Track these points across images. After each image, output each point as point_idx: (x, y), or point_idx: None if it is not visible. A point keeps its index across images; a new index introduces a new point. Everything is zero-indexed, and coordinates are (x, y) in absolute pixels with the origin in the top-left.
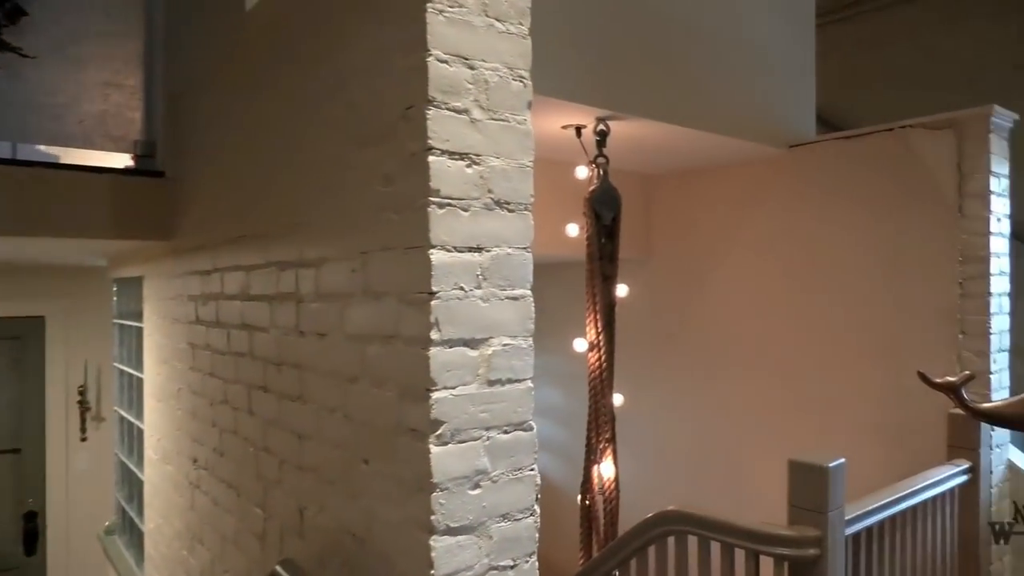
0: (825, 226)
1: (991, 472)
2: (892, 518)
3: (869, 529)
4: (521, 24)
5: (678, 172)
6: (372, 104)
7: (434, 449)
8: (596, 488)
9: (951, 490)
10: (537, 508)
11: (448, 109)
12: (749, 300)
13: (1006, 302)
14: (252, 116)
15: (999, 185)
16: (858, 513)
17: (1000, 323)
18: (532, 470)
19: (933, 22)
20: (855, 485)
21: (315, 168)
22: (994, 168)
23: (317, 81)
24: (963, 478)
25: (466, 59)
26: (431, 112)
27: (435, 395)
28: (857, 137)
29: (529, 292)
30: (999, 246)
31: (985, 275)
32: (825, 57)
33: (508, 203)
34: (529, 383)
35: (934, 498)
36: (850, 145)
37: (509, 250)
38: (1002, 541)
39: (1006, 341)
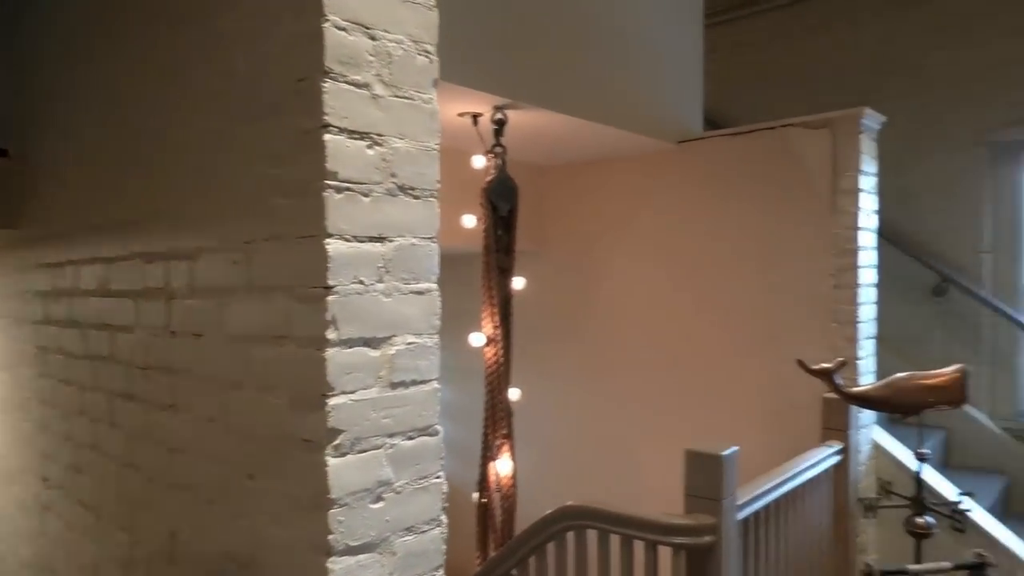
0: (711, 220)
1: (859, 451)
2: (776, 500)
3: (757, 513)
4: None
5: (572, 164)
6: (256, 74)
7: (331, 461)
8: (493, 486)
9: (826, 470)
10: (444, 518)
11: (347, 83)
12: (640, 292)
13: (873, 293)
14: (114, 86)
15: (868, 183)
16: (748, 498)
17: (867, 312)
18: (438, 477)
19: (803, 27)
20: (742, 470)
21: (189, 146)
22: (864, 167)
23: (190, 45)
24: (836, 458)
25: (367, 28)
26: (327, 85)
27: (332, 401)
28: (741, 134)
29: (435, 286)
30: (867, 240)
31: (855, 267)
32: (706, 58)
33: (413, 189)
34: (435, 384)
35: (812, 478)
36: (735, 142)
37: (414, 240)
38: (870, 515)
39: (873, 329)
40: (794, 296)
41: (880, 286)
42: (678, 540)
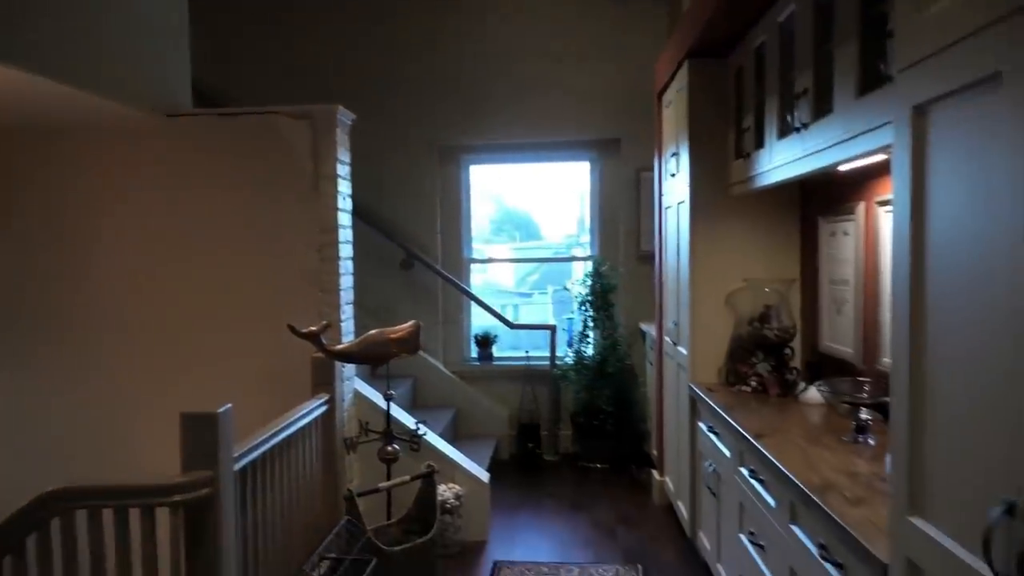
0: (204, 195)
1: (343, 400)
2: (272, 449)
3: (254, 463)
4: None
5: (48, 130)
6: None
7: None
8: None
9: (315, 419)
10: None
11: None
12: (134, 268)
13: (350, 265)
14: None
15: (344, 170)
16: (243, 450)
17: (347, 282)
18: None
19: (293, 24)
20: (245, 428)
21: None
22: (340, 156)
23: None
24: (324, 408)
25: None
26: None
27: None
28: (232, 115)
29: None
30: (345, 219)
31: (336, 243)
32: (205, 36)
33: None
34: None
35: (303, 427)
36: (226, 122)
37: None
38: (351, 451)
39: (351, 296)
40: (286, 268)
41: (360, 260)
42: (176, 498)
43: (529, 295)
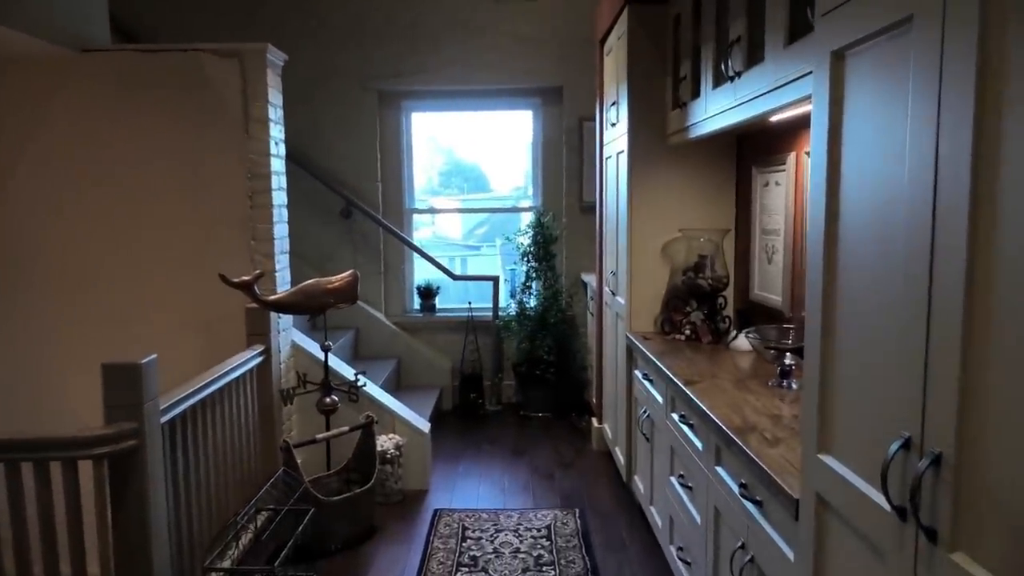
0: (128, 137)
1: (280, 351)
2: (203, 401)
3: (183, 415)
4: None
5: None
6: None
7: None
8: None
9: (251, 370)
10: None
11: None
12: (51, 211)
13: (284, 212)
14: None
15: (275, 113)
16: (172, 401)
17: (281, 230)
18: None
19: None
20: (176, 379)
21: None
22: (271, 99)
23: None
24: (259, 359)
25: None
26: None
27: None
28: (153, 52)
29: None
30: (278, 165)
31: (269, 190)
32: None
33: None
34: None
35: (237, 378)
36: (147, 59)
37: None
38: (288, 403)
39: (286, 245)
40: (217, 215)
41: (298, 208)
42: (99, 451)
43: (477, 248)
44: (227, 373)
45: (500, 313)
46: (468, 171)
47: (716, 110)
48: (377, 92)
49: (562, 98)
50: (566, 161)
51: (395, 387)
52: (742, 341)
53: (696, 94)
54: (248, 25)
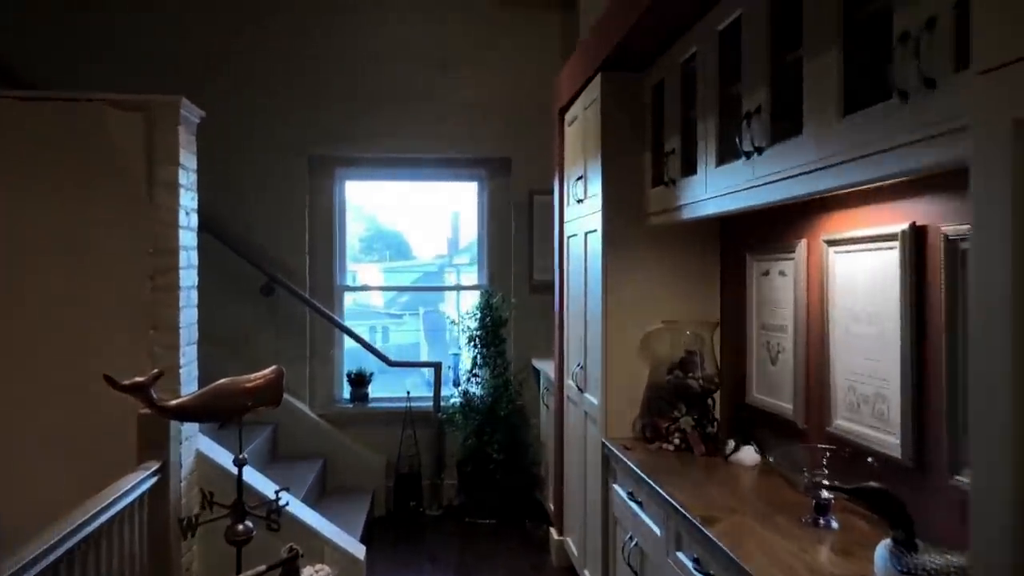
0: (5, 199)
1: (181, 466)
2: (70, 550)
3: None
4: None
5: None
6: None
7: None
8: None
9: (141, 496)
10: None
11: None
12: None
13: (194, 295)
14: None
15: (187, 178)
16: (22, 564)
17: (189, 316)
18: None
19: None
20: (43, 502)
21: None
22: (183, 161)
23: None
24: (153, 480)
25: None
26: None
27: None
28: (40, 101)
29: None
30: (188, 239)
31: (176, 268)
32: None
33: None
34: None
35: (123, 509)
36: (31, 109)
37: None
38: (190, 534)
39: (195, 333)
40: (108, 298)
41: (211, 285)
42: None
43: (400, 316)
44: (108, 507)
45: (443, 403)
46: (390, 237)
47: (724, 190)
48: (308, 157)
49: (510, 170)
50: (515, 237)
51: (320, 493)
52: (746, 455)
53: (690, 171)
54: (163, 76)
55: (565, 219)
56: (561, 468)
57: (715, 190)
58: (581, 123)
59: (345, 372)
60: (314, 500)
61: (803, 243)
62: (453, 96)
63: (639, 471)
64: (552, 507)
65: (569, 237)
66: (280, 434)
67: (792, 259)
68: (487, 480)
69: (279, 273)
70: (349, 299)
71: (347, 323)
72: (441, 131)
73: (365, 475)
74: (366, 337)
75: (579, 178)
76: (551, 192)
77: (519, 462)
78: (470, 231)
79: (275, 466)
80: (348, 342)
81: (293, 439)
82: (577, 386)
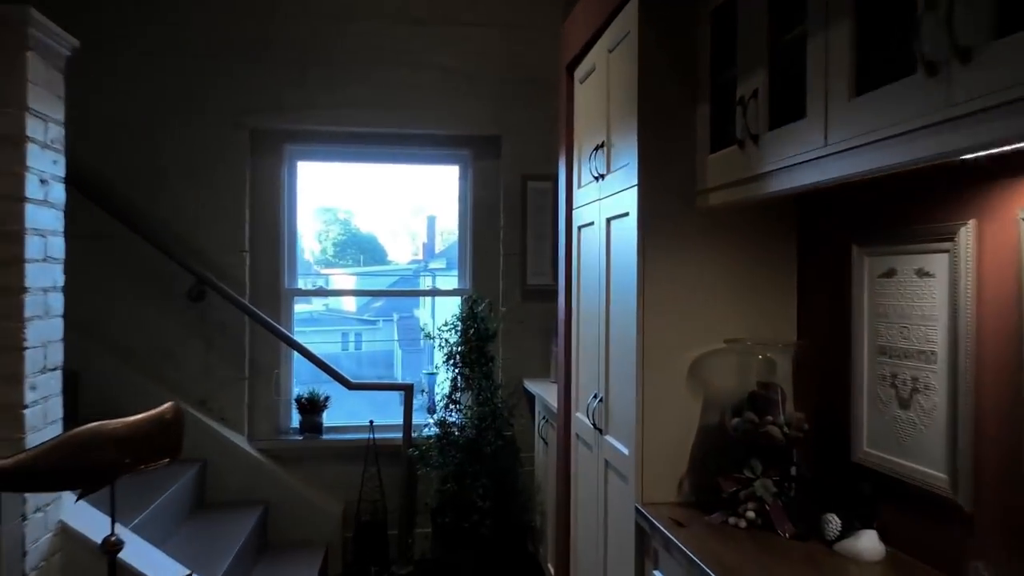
0: None
1: (25, 554)
2: None
3: None
4: None
5: None
6: None
7: None
8: None
9: None
10: None
11: None
12: None
13: (58, 301)
14: None
15: (48, 132)
16: None
17: (46, 331)
18: None
19: None
20: None
21: None
22: (33, 104)
23: None
24: None
25: None
26: None
27: None
28: None
29: None
30: (47, 219)
31: (19, 262)
32: None
33: None
34: None
35: None
36: None
37: None
38: None
39: (57, 356)
40: None
41: (124, 288)
42: None
43: (374, 322)
44: None
45: (414, 435)
46: (363, 240)
47: (881, 131)
48: (250, 131)
49: (499, 151)
50: (504, 232)
51: (260, 549)
52: (868, 542)
53: (785, 119)
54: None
55: (575, 204)
56: (567, 524)
57: (853, 135)
58: (602, 74)
59: (294, 396)
60: (251, 560)
61: (970, 225)
62: (430, 60)
63: (705, 567)
64: (551, 568)
65: (581, 227)
66: (209, 475)
67: (947, 250)
68: (469, 533)
69: (210, 273)
70: (319, 303)
71: (300, 333)
72: (414, 102)
73: (317, 526)
74: (336, 345)
75: (598, 147)
76: (551, 176)
77: (508, 507)
78: (449, 230)
79: (200, 518)
80: (299, 358)
81: (226, 481)
82: (593, 423)
